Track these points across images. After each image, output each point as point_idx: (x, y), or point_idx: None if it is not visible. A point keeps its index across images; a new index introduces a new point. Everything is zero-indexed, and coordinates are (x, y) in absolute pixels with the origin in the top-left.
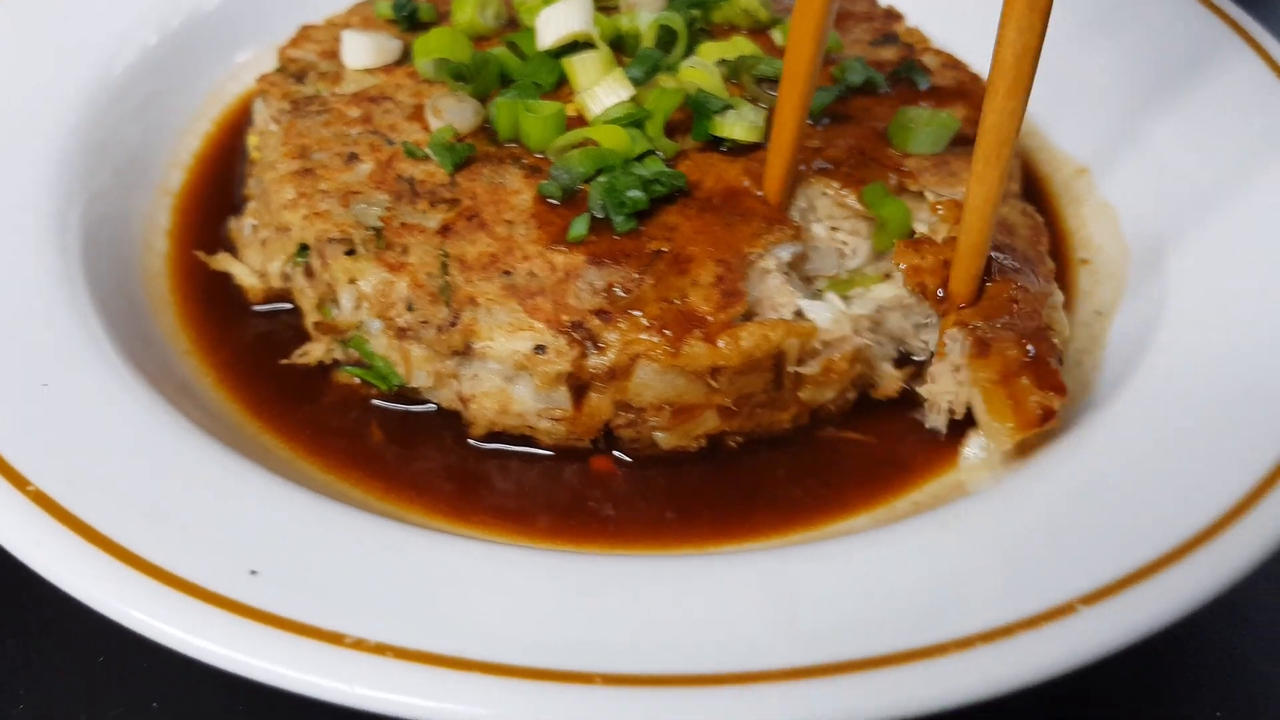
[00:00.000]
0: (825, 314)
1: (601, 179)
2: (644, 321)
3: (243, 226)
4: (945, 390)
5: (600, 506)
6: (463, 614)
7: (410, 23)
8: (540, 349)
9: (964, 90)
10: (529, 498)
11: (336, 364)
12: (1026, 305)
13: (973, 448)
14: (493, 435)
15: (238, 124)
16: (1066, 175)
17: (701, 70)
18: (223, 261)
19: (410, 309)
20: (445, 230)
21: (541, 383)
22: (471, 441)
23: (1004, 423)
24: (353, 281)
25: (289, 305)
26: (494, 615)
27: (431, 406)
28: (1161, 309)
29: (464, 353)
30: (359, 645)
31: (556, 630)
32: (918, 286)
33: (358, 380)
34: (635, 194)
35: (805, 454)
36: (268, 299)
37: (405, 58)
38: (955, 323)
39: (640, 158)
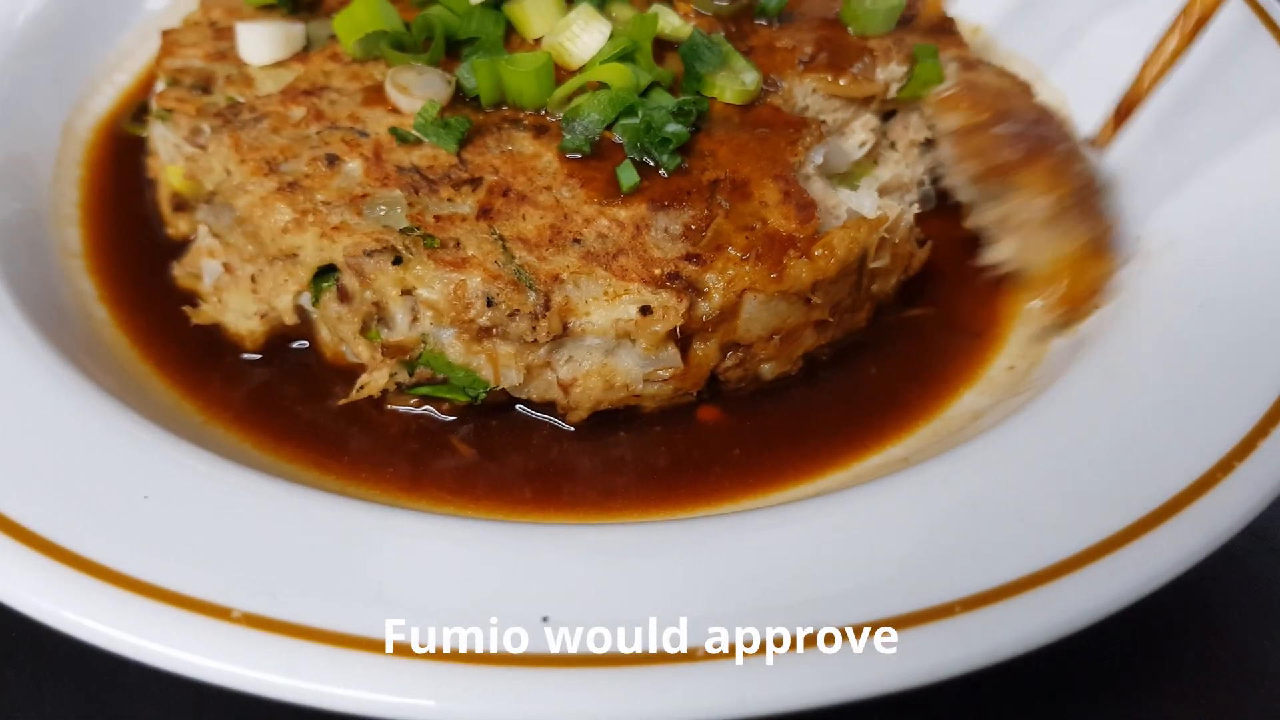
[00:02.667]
0: (870, 202)
1: (628, 121)
2: (737, 255)
3: (200, 270)
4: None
5: (732, 451)
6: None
7: (294, 4)
8: (646, 310)
9: None
10: (648, 461)
11: (385, 394)
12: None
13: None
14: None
15: (105, 163)
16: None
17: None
18: (209, 313)
19: (490, 304)
20: (484, 213)
21: (649, 345)
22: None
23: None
24: (407, 292)
25: (301, 343)
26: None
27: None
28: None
29: (562, 334)
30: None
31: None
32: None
33: (416, 404)
34: (675, 128)
35: (888, 347)
36: (266, 343)
37: (309, 42)
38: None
39: (644, 92)
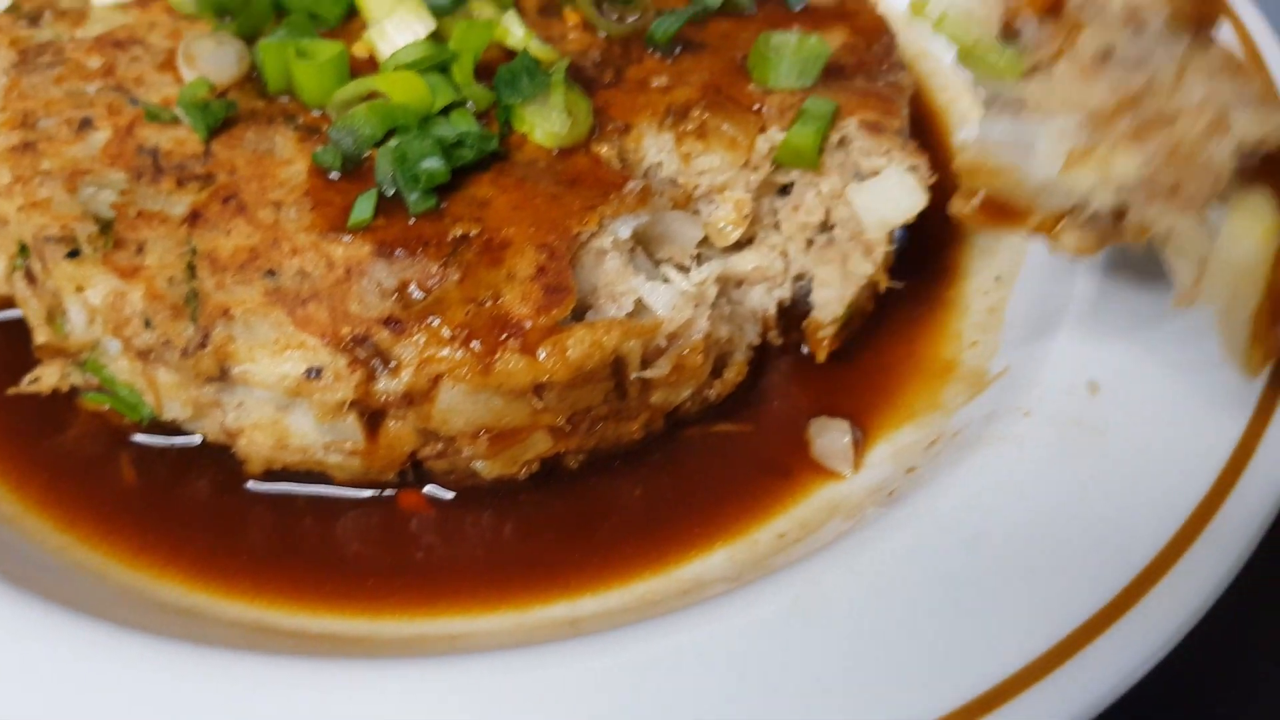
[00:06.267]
0: (667, 298)
1: (392, 144)
2: (445, 332)
3: None
4: None
5: (415, 555)
6: None
7: None
8: (314, 372)
9: (844, 11)
10: (325, 550)
11: (75, 390)
12: None
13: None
14: (276, 473)
15: None
16: (966, 105)
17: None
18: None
19: (148, 325)
20: (194, 218)
21: (321, 413)
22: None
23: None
24: (80, 290)
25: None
26: None
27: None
28: (1072, 277)
29: (221, 378)
30: None
31: None
32: None
33: (107, 408)
34: (433, 164)
35: (666, 466)
36: (1, 306)
37: None
38: None
39: (444, 112)
